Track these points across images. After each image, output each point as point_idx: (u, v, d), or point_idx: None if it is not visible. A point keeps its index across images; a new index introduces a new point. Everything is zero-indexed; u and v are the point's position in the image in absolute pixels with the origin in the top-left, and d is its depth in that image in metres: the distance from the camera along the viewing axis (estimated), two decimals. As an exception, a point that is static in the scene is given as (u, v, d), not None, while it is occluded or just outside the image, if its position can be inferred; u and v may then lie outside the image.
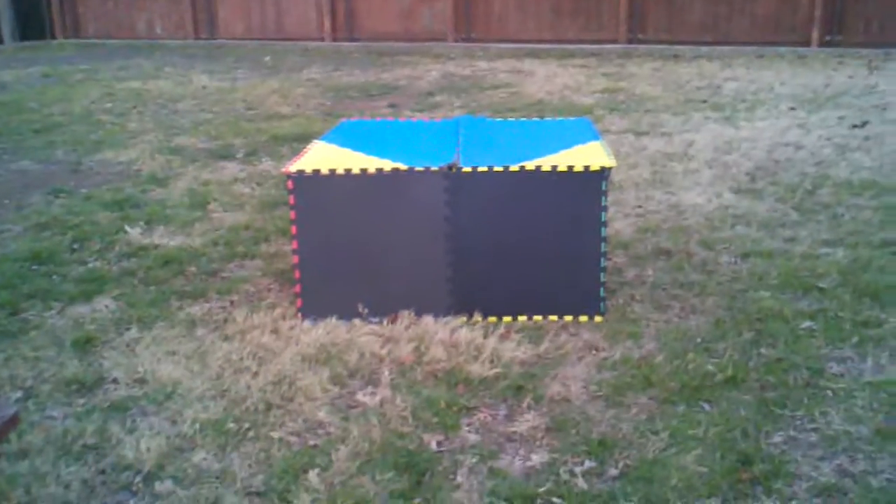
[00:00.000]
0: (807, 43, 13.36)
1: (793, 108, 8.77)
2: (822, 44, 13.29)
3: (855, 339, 3.74)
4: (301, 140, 7.74)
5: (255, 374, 3.50)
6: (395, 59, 14.03)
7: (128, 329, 3.97)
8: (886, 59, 12.10)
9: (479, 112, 9.02)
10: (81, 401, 3.34)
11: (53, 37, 18.05)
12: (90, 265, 4.81)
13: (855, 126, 7.84)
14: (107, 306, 4.24)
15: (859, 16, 13.23)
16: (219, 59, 14.42)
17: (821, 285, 4.31)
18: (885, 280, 4.32)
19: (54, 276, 4.64)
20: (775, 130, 7.72)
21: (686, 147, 7.23)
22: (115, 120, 9.13)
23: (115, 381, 3.49)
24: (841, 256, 4.69)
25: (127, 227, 5.38)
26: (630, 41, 14.42)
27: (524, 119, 6.14)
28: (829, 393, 3.32)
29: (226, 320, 4.05)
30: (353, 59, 14.15)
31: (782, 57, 12.73)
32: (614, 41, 14.48)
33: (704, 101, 9.31)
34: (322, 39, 16.27)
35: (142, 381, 3.47)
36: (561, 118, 6.17)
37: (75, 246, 5.13)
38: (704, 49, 13.54)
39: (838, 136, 7.46)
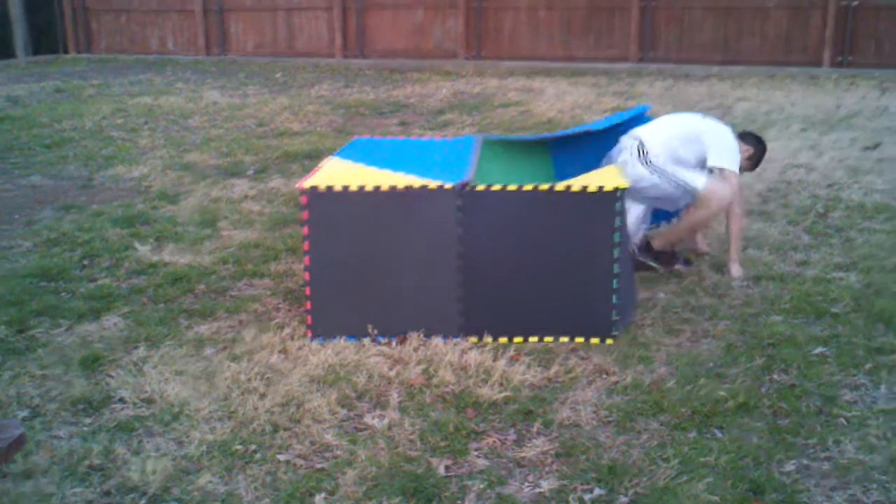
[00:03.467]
0: (818, 63, 13.35)
1: (804, 130, 8.74)
2: (834, 64, 13.28)
3: (868, 366, 3.70)
4: (312, 157, 7.75)
5: (263, 395, 3.47)
6: (405, 76, 14.07)
7: (136, 348, 3.95)
8: (898, 81, 12.07)
9: (490, 130, 9.02)
10: (88, 420, 3.32)
11: (66, 52, 18.18)
12: (99, 282, 4.80)
13: (867, 148, 7.81)
14: (115, 324, 4.23)
15: (870, 37, 13.23)
16: (230, 75, 14.48)
17: (833, 310, 4.27)
18: (899, 305, 4.28)
19: (63, 293, 4.64)
20: (787, 152, 7.70)
21: (697, 168, 7.19)
22: (127, 135, 9.16)
23: (122, 400, 3.46)
24: (854, 281, 4.65)
25: (137, 244, 5.38)
26: (641, 60, 14.44)
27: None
28: (843, 421, 3.28)
29: (234, 340, 4.03)
30: (363, 76, 14.19)
31: (793, 77, 12.73)
32: (625, 60, 14.50)
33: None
34: (333, 56, 16.34)
35: (149, 401, 3.45)
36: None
37: (85, 262, 5.12)
38: (715, 69, 13.54)
39: (851, 158, 7.43)
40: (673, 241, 4.90)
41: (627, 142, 4.78)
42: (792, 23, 13.50)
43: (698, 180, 4.64)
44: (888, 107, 10.01)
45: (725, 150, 4.70)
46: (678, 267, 4.87)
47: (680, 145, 4.72)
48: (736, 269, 4.79)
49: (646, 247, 4.87)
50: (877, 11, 13.08)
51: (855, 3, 13.06)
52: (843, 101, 10.47)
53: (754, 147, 4.95)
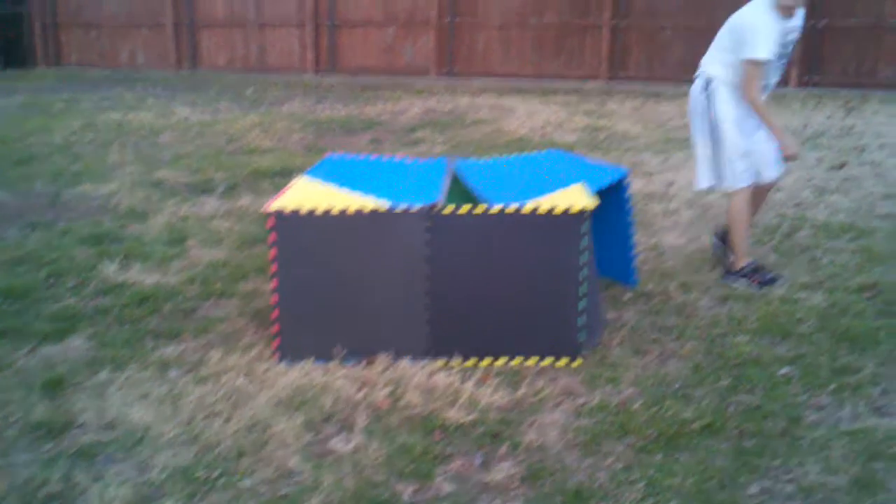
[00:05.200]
0: (785, 82, 13.49)
1: (772, 149, 8.82)
2: (801, 84, 13.45)
3: (832, 386, 3.73)
4: (282, 175, 7.73)
5: (228, 419, 3.44)
6: (377, 93, 14.08)
7: (99, 370, 3.90)
8: (863, 101, 12.23)
9: (462, 147, 9.05)
10: (48, 446, 3.27)
11: (35, 66, 18.02)
12: (64, 302, 4.75)
13: (833, 168, 7.90)
14: (79, 346, 4.18)
15: (837, 57, 13.41)
16: (201, 91, 14.42)
17: (799, 330, 4.31)
18: (863, 325, 4.33)
19: (27, 314, 4.58)
20: (754, 171, 7.75)
21: (666, 187, 7.26)
22: (96, 152, 9.09)
23: (83, 425, 3.41)
24: (819, 300, 4.70)
25: (104, 264, 5.32)
26: (611, 79, 14.54)
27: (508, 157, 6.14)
28: (807, 442, 3.30)
29: (200, 362, 4.00)
30: (335, 93, 14.18)
31: (762, 96, 12.85)
32: (595, 78, 14.59)
33: (685, 140, 9.35)
34: (305, 72, 16.33)
35: (111, 426, 3.40)
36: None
37: (50, 282, 5.06)
38: (685, 88, 13.61)
39: (817, 178, 7.52)
40: (742, 245, 5.06)
41: (699, 84, 5.15)
42: (760, 42, 13.66)
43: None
44: (853, 126, 10.14)
45: (750, 39, 4.79)
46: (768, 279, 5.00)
47: (730, 50, 4.94)
48: (791, 146, 4.95)
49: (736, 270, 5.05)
50: (843, 32, 13.27)
51: (821, 23, 13.24)
52: (810, 121, 10.59)
53: None
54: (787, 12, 4.82)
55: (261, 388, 3.71)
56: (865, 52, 13.29)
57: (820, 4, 13.23)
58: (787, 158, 5.00)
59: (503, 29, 15.15)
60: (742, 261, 5.03)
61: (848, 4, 13.23)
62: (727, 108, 4.96)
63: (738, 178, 4.96)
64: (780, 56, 4.92)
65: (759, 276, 4.97)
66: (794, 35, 4.94)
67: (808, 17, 13.19)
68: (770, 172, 5.07)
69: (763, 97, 4.90)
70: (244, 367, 3.91)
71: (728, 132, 4.94)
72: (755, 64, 4.80)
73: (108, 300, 4.79)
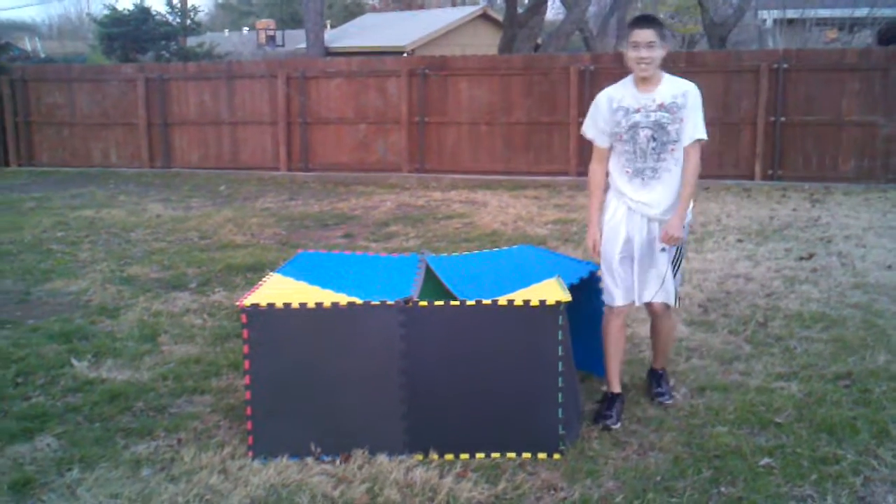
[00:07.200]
0: (750, 177, 13.80)
1: (740, 241, 8.96)
2: (765, 177, 13.74)
3: (814, 477, 3.71)
4: (255, 270, 7.71)
5: (202, 519, 3.35)
6: (350, 188, 14.19)
7: (69, 469, 3.81)
8: (827, 193, 12.51)
9: (434, 241, 9.10)
10: (15, 549, 3.17)
11: (7, 164, 18.02)
12: (33, 400, 4.65)
13: (802, 258, 8.02)
14: (48, 445, 4.08)
15: (798, 152, 13.75)
16: (174, 188, 14.46)
17: (777, 420, 4.30)
18: (841, 415, 4.33)
19: (-6, 413, 4.48)
20: (725, 262, 7.87)
21: (638, 279, 7.30)
22: (67, 249, 9.04)
23: (52, 527, 3.32)
24: (796, 390, 4.70)
25: (74, 361, 5.24)
26: (580, 174, 14.76)
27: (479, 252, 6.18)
28: (792, 534, 3.27)
29: (173, 460, 3.91)
30: (308, 189, 14.28)
31: (728, 189, 13.11)
32: (565, 173, 14.82)
33: (655, 233, 9.46)
34: (277, 169, 16.44)
35: (81, 527, 3.31)
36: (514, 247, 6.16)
37: (19, 380, 4.97)
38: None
39: (786, 268, 7.62)
40: (607, 367, 4.57)
41: None
42: (725, 138, 13.99)
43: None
44: (819, 218, 10.34)
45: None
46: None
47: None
48: (675, 228, 4.26)
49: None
50: (802, 128, 13.65)
51: (782, 119, 13.61)
52: (777, 213, 10.79)
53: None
54: (641, 83, 4.31)
55: (235, 487, 3.63)
56: (826, 147, 13.65)
57: (780, 103, 13.63)
58: (673, 233, 4.25)
59: (472, 126, 15.41)
60: (608, 385, 4.54)
61: (806, 103, 13.64)
62: (604, 219, 4.51)
63: (604, 295, 4.50)
64: (653, 136, 4.27)
65: (604, 410, 4.37)
66: (667, 113, 4.26)
67: (769, 113, 13.62)
68: (632, 295, 4.44)
69: (638, 179, 4.34)
70: (218, 465, 3.82)
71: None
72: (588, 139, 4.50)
73: (79, 398, 4.70)
